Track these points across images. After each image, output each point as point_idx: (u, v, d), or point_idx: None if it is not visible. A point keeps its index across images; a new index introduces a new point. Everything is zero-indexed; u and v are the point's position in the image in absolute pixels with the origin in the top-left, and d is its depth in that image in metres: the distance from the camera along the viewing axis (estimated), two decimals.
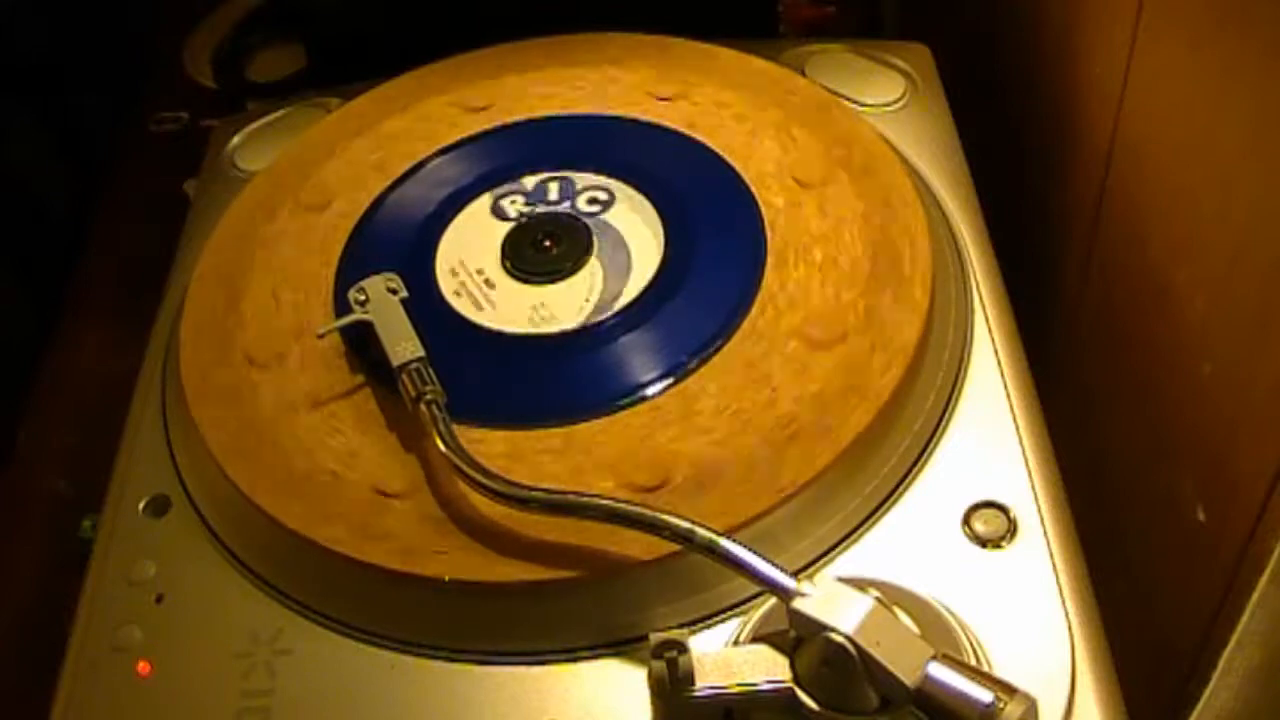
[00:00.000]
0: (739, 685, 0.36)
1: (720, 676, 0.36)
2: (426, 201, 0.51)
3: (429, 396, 0.42)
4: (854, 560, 0.40)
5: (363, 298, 0.45)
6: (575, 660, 0.39)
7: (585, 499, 0.38)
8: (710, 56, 0.56)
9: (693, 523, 0.37)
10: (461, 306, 0.47)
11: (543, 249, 0.49)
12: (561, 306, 0.46)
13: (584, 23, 0.58)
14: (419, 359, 0.43)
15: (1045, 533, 0.40)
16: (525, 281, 0.48)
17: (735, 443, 0.41)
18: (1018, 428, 0.43)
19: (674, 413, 0.43)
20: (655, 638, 0.36)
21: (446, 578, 0.39)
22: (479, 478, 0.39)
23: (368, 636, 0.40)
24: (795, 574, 0.36)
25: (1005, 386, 0.44)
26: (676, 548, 0.38)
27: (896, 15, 0.72)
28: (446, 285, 0.48)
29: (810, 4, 0.67)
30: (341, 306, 0.46)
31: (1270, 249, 0.39)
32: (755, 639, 0.37)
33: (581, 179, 0.51)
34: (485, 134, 0.54)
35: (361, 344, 0.45)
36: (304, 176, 0.53)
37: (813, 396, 0.42)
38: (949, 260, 0.48)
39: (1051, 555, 0.40)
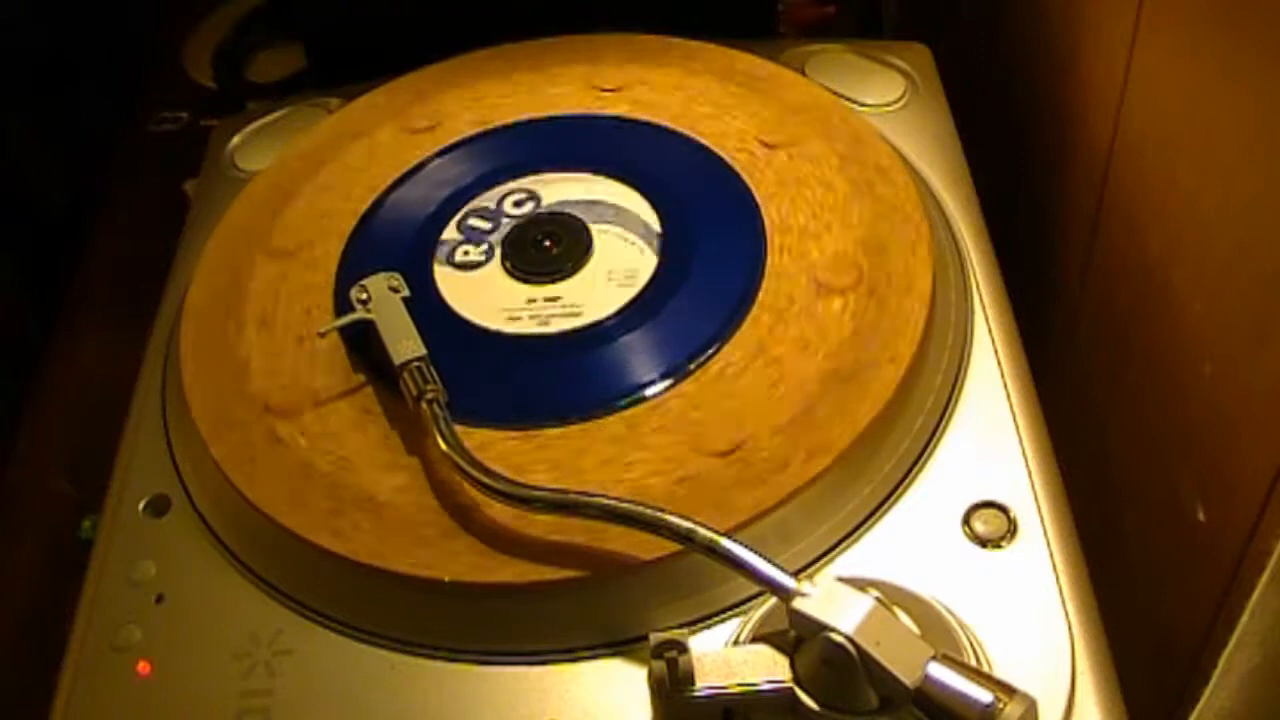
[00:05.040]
0: (739, 685, 0.36)
1: (720, 676, 0.36)
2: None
3: (430, 395, 0.42)
4: (854, 560, 0.40)
5: (364, 296, 0.45)
6: (575, 660, 0.39)
7: (586, 499, 0.38)
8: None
9: (693, 523, 0.37)
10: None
11: (543, 249, 0.49)
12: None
13: (585, 22, 0.58)
14: (420, 358, 0.43)
15: (1045, 533, 0.40)
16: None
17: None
18: (1018, 428, 0.43)
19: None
20: (655, 638, 0.36)
21: (446, 578, 0.39)
22: (480, 477, 0.39)
23: (368, 636, 0.40)
24: (795, 574, 0.36)
25: (1005, 386, 0.44)
26: (676, 548, 0.38)
27: (896, 15, 0.72)
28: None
29: (810, 4, 0.67)
30: (343, 305, 0.46)
31: (1270, 249, 0.39)
32: (755, 639, 0.37)
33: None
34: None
35: (363, 343, 0.45)
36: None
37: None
38: (949, 260, 0.48)
39: (1051, 555, 0.40)
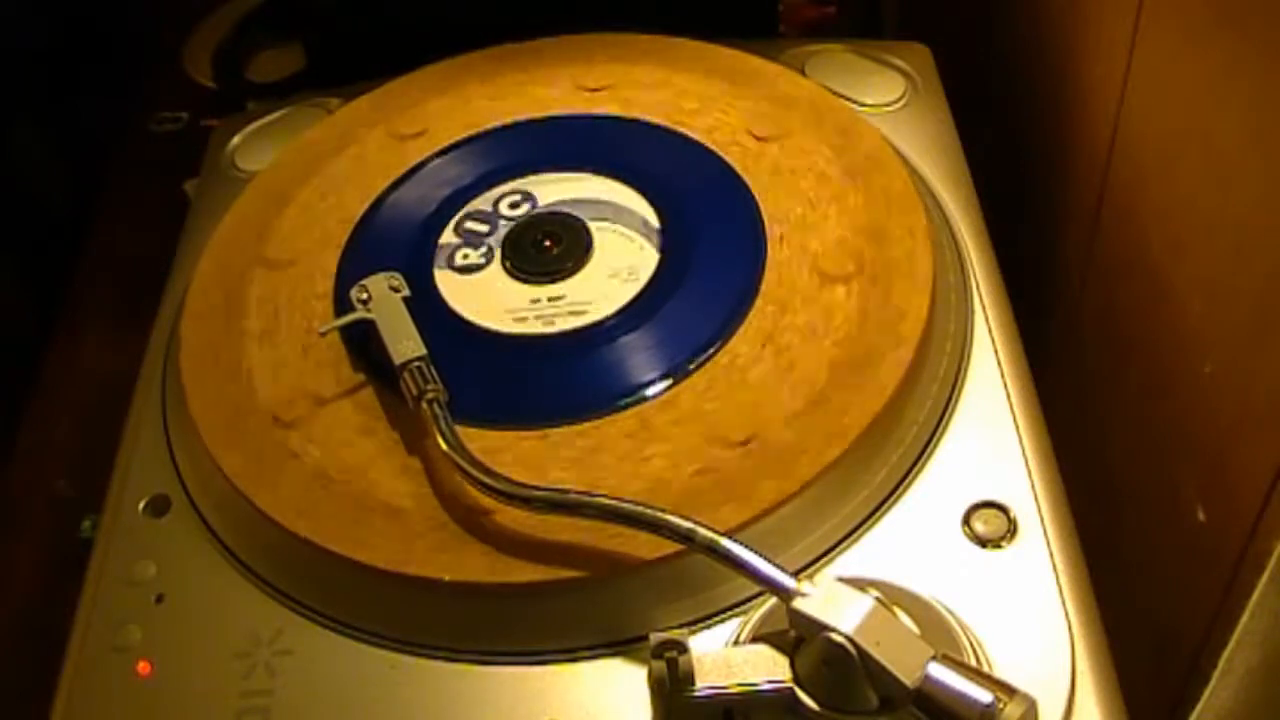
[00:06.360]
0: (739, 685, 0.36)
1: (720, 676, 0.36)
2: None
3: (430, 395, 0.42)
4: (854, 560, 0.40)
5: (364, 296, 0.45)
6: (575, 660, 0.39)
7: (586, 498, 0.38)
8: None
9: (693, 523, 0.37)
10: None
11: (542, 249, 0.49)
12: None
13: (585, 23, 0.58)
14: (421, 358, 0.43)
15: (1045, 533, 0.40)
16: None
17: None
18: (1018, 428, 0.43)
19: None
20: (655, 638, 0.36)
21: (446, 578, 0.39)
22: (481, 477, 0.39)
23: (368, 636, 0.40)
24: (795, 574, 0.36)
25: (1005, 386, 0.44)
26: (677, 548, 0.38)
27: (896, 15, 0.72)
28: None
29: (810, 4, 0.67)
30: (343, 305, 0.46)
31: (1270, 249, 0.39)
32: (755, 639, 0.37)
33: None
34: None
35: (363, 343, 0.45)
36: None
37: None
38: (949, 260, 0.48)
39: (1051, 555, 0.40)
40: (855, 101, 0.55)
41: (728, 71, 0.55)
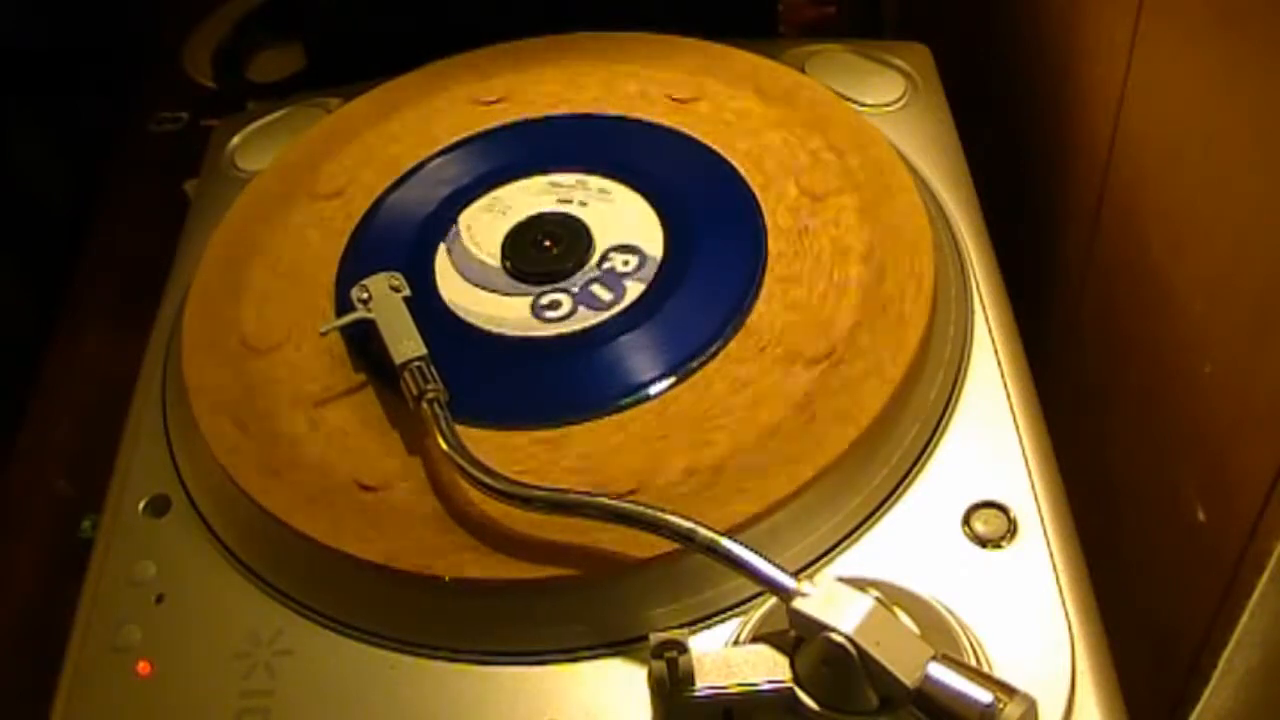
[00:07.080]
0: (739, 685, 0.36)
1: (720, 676, 0.36)
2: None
3: (431, 395, 0.42)
4: (854, 560, 0.40)
5: (365, 296, 0.45)
6: (575, 660, 0.39)
7: (586, 498, 0.38)
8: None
9: (693, 522, 0.37)
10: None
11: (543, 249, 0.49)
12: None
13: (584, 22, 0.58)
14: (421, 357, 0.43)
15: (1045, 533, 0.40)
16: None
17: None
18: (1018, 428, 0.43)
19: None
20: (655, 638, 0.36)
21: (446, 578, 0.39)
22: (481, 476, 0.39)
23: (368, 636, 0.40)
24: (795, 574, 0.36)
25: (1005, 386, 0.44)
26: (676, 547, 0.38)
27: (896, 15, 0.72)
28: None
29: (810, 4, 0.67)
30: (344, 305, 0.46)
31: (1270, 249, 0.39)
32: (755, 639, 0.37)
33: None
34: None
35: (363, 342, 0.45)
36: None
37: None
38: (949, 260, 0.48)
39: (1051, 555, 0.40)
40: (855, 101, 0.55)
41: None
